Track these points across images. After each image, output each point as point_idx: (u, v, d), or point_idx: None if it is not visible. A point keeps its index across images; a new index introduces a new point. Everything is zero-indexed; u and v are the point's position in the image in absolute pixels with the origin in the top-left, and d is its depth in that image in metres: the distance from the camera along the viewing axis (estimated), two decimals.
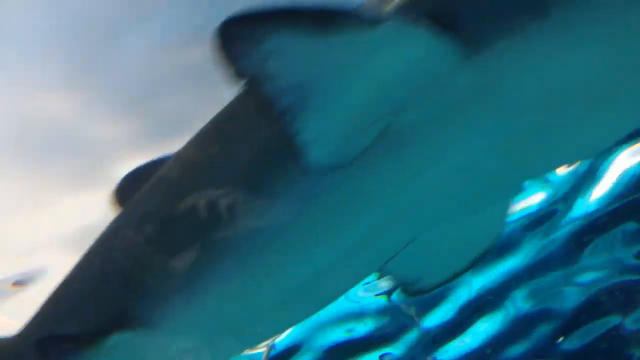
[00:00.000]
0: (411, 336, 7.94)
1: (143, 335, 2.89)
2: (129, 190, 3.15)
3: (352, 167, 2.36)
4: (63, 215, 5.03)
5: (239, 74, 2.04)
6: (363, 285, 6.99)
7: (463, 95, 2.21)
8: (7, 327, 3.58)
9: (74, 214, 5.02)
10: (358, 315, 7.59)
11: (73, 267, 3.26)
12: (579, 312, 8.30)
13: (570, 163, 5.56)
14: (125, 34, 4.60)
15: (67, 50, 4.65)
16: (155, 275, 2.83)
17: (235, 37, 1.96)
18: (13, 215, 5.02)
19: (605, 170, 6.41)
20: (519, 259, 7.24)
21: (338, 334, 7.69)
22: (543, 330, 8.47)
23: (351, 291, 6.68)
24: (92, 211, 4.78)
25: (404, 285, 3.03)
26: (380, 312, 7.56)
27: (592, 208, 6.81)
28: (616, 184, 6.61)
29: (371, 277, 6.84)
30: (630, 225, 7.27)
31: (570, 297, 8.18)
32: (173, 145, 2.92)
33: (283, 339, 7.14)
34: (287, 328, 5.86)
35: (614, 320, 8.52)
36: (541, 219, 6.79)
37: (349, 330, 7.74)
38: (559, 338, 8.62)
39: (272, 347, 7.46)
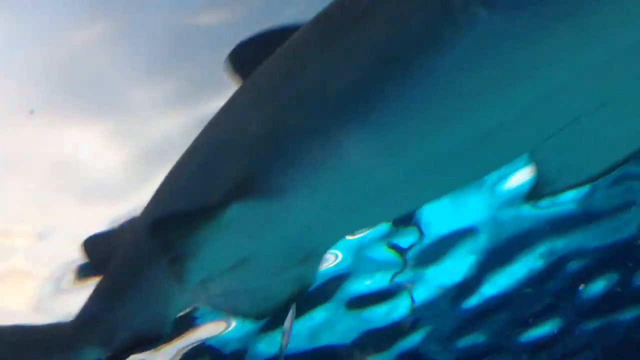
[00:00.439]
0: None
1: (264, 205, 2.68)
2: (244, 58, 2.99)
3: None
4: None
5: None
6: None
7: None
8: None
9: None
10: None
11: (187, 149, 3.09)
12: None
13: None
14: None
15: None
16: (284, 138, 2.60)
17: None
18: None
19: None
20: None
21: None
22: None
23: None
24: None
25: (539, 183, 2.70)
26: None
27: None
28: None
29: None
30: None
31: None
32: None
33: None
34: (419, 206, 5.72)
35: None
36: None
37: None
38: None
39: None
